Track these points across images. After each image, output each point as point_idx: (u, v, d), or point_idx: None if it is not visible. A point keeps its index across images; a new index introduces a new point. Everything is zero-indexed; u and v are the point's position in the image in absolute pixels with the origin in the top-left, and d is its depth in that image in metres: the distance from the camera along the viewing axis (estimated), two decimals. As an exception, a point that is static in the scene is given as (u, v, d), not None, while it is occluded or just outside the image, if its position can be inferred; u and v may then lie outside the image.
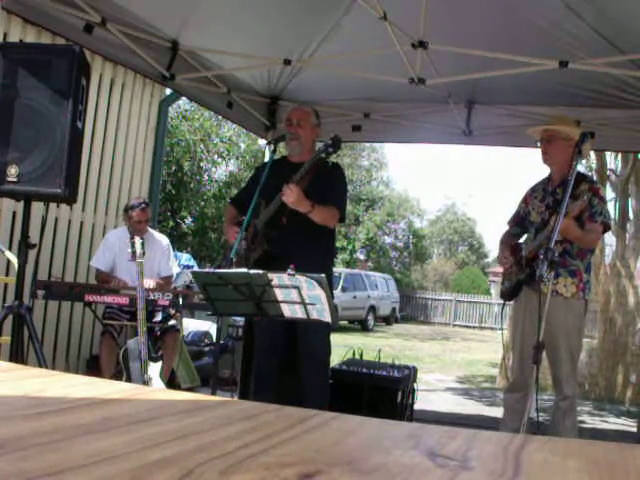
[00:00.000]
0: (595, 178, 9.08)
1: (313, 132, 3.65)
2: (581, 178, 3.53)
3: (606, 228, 3.48)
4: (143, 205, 4.60)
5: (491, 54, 3.83)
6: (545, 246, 3.00)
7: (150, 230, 4.76)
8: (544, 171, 3.74)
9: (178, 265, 6.60)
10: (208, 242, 17.25)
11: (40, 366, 2.75)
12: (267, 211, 3.42)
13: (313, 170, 3.43)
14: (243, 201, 3.69)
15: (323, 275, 2.56)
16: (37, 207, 3.26)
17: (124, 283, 4.44)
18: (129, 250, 3.68)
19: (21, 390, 0.78)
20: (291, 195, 3.24)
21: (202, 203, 16.90)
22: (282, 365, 3.62)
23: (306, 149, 3.61)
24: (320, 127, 3.72)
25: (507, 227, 3.90)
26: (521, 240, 3.85)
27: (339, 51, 4.39)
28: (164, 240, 4.85)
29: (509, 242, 3.79)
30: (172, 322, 4.60)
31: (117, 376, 4.06)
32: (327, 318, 2.64)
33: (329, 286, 2.69)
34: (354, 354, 4.62)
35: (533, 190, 3.73)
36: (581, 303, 3.49)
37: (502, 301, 3.83)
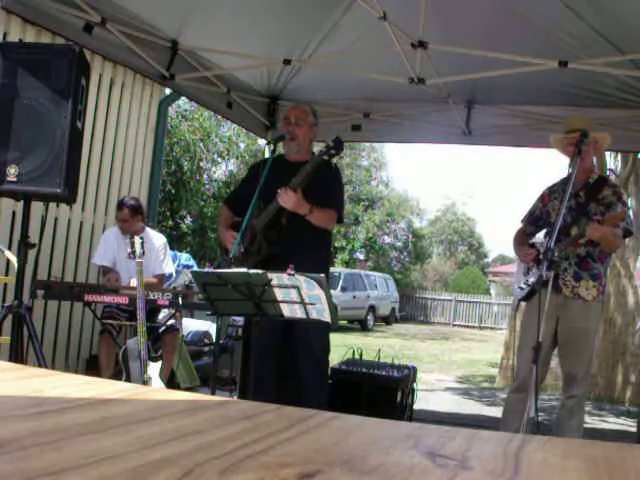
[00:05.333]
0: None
1: (311, 131, 3.64)
2: (603, 182, 3.53)
3: (627, 233, 3.48)
4: (127, 202, 4.59)
5: (491, 54, 3.83)
6: (546, 246, 3.01)
7: (147, 229, 4.75)
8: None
9: (178, 265, 6.60)
10: (207, 242, 17.25)
11: (40, 366, 2.75)
12: (266, 212, 3.41)
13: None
14: (238, 202, 3.68)
15: (323, 275, 2.56)
16: (37, 207, 3.26)
17: (118, 276, 4.44)
18: (129, 250, 3.68)
19: (21, 390, 0.78)
20: (288, 200, 3.24)
21: (202, 203, 16.89)
22: (281, 364, 3.62)
23: (304, 148, 3.60)
24: (317, 126, 3.71)
25: (521, 225, 3.87)
26: (532, 240, 3.84)
27: (339, 51, 4.39)
28: (160, 239, 4.83)
29: (525, 243, 3.78)
30: (171, 322, 4.59)
31: (117, 376, 4.05)
32: (327, 318, 2.64)
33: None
34: (354, 354, 4.62)
35: (551, 191, 3.69)
36: (599, 306, 3.52)
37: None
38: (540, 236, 3.86)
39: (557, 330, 3.50)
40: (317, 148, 3.65)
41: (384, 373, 4.25)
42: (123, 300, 3.86)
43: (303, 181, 3.28)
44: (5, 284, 4.60)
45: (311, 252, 3.39)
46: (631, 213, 8.96)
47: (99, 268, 4.81)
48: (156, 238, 4.80)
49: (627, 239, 4.71)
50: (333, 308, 2.65)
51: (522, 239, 3.82)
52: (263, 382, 3.37)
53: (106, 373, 4.33)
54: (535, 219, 3.76)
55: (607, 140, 3.57)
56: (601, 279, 3.47)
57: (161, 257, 4.74)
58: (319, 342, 3.51)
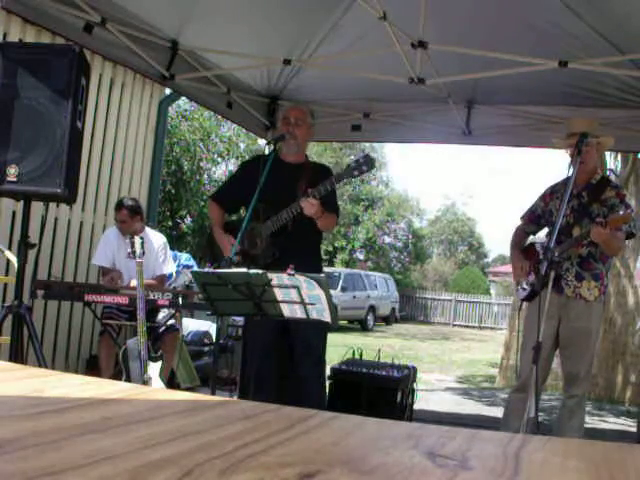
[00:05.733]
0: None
1: (309, 132, 3.63)
2: (606, 183, 3.51)
3: (629, 236, 3.46)
4: (126, 203, 4.58)
5: (491, 54, 3.83)
6: (546, 246, 3.00)
7: (146, 229, 4.74)
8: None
9: (178, 265, 6.59)
10: (207, 242, 17.23)
11: (40, 366, 2.75)
12: (277, 218, 3.38)
13: (310, 173, 3.44)
14: (229, 199, 3.69)
15: (323, 275, 2.57)
16: (37, 207, 3.26)
17: (120, 274, 4.44)
18: (129, 250, 3.68)
19: (21, 390, 0.78)
20: (312, 208, 3.23)
21: (202, 203, 16.89)
22: (281, 364, 3.62)
23: (301, 149, 3.60)
24: (314, 127, 3.70)
25: (520, 222, 3.86)
26: (533, 239, 3.83)
27: (339, 51, 4.39)
28: (160, 239, 4.82)
29: (520, 244, 3.76)
30: (171, 322, 4.59)
31: (117, 376, 4.06)
32: (327, 318, 2.64)
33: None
34: (354, 354, 4.62)
35: (553, 190, 3.68)
36: (601, 306, 3.52)
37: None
38: (542, 235, 3.86)
39: (559, 330, 3.50)
40: (317, 148, 3.63)
41: (384, 373, 4.25)
42: (123, 300, 3.86)
43: (325, 192, 3.26)
44: (5, 284, 4.60)
45: (309, 254, 3.48)
46: (631, 213, 8.96)
47: (99, 268, 4.82)
48: (156, 238, 4.79)
49: (629, 240, 4.72)
50: (333, 308, 2.65)
51: (520, 238, 3.81)
52: (263, 382, 3.37)
53: (106, 373, 4.33)
54: (536, 218, 3.76)
55: (610, 143, 3.57)
56: (603, 279, 3.47)
57: (161, 257, 4.73)
58: (318, 342, 3.51)
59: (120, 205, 4.58)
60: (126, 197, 4.85)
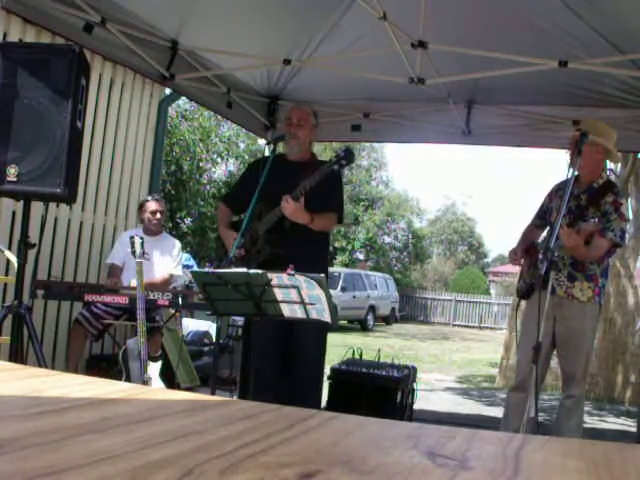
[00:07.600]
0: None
1: (312, 132, 3.64)
2: (609, 188, 3.48)
3: (614, 246, 3.43)
4: (157, 197, 4.83)
5: (491, 54, 3.83)
6: (546, 246, 3.00)
7: (164, 232, 4.87)
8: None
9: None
10: (207, 242, 17.26)
11: (40, 366, 2.75)
12: (270, 216, 3.40)
13: (312, 170, 3.44)
14: (236, 200, 3.70)
15: (323, 275, 2.56)
16: (37, 207, 3.25)
17: (115, 282, 4.46)
18: (128, 250, 3.69)
19: (21, 390, 0.78)
20: (289, 209, 3.24)
21: (201, 203, 16.89)
22: (282, 364, 3.62)
23: (304, 149, 3.61)
24: (317, 128, 3.71)
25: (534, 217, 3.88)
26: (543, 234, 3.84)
27: (339, 51, 4.39)
28: (177, 244, 4.96)
29: (527, 239, 3.77)
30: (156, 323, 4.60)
31: (117, 376, 4.06)
32: (326, 318, 2.64)
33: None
34: (354, 354, 4.62)
35: (559, 189, 3.67)
36: (596, 307, 3.49)
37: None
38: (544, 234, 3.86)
39: (554, 329, 3.50)
40: (317, 148, 3.63)
41: (384, 373, 4.25)
42: (123, 300, 3.87)
43: (306, 191, 3.26)
44: (5, 284, 4.60)
45: (313, 254, 3.42)
46: (630, 214, 8.96)
47: (110, 266, 4.92)
48: (172, 242, 4.94)
49: (628, 240, 4.71)
50: (333, 308, 2.65)
51: (527, 232, 3.82)
52: (264, 382, 3.37)
53: (73, 363, 4.34)
54: (542, 213, 3.78)
55: (616, 156, 3.59)
56: (597, 280, 3.44)
57: (175, 262, 4.83)
58: (317, 342, 3.51)
59: (155, 199, 4.82)
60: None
